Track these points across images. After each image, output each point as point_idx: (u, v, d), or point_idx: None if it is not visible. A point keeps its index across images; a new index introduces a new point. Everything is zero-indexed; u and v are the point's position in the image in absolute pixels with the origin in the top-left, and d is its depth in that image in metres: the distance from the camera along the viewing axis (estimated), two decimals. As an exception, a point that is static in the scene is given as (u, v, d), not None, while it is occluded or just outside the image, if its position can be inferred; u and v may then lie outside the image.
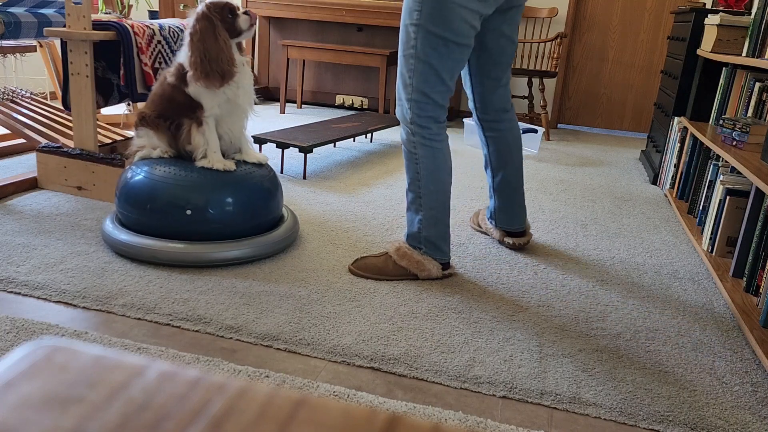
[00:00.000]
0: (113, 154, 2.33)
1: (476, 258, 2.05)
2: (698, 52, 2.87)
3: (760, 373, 1.49)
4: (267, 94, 5.17)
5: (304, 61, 4.85)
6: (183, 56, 1.90)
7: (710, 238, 2.19)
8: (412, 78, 1.78)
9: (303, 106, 5.03)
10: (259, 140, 2.90)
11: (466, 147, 3.85)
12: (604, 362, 1.48)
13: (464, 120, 3.99)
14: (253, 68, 4.95)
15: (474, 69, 2.00)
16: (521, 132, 3.77)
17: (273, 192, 1.98)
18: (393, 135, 4.07)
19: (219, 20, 1.85)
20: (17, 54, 3.86)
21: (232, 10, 1.87)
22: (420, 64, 1.76)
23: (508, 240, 2.18)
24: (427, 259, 1.87)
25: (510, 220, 2.16)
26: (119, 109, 3.91)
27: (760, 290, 1.77)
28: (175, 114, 1.94)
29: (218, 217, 1.83)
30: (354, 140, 3.79)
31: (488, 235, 2.29)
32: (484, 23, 1.90)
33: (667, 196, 3.01)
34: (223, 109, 1.93)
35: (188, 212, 1.80)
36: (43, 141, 2.51)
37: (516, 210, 2.15)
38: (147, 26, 2.37)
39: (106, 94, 2.54)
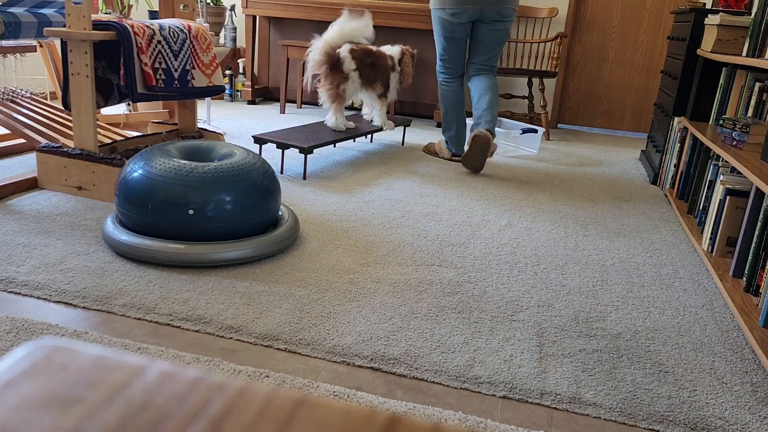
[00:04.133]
0: (113, 154, 2.33)
1: (476, 258, 2.05)
2: (698, 52, 2.87)
3: (760, 373, 1.49)
4: (267, 94, 5.17)
5: (304, 61, 4.85)
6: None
7: (710, 238, 2.19)
8: (437, 49, 3.33)
9: (303, 106, 5.03)
10: (260, 140, 2.90)
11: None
12: (604, 362, 1.48)
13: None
14: (252, 68, 4.95)
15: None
16: (521, 131, 3.80)
17: (271, 189, 1.98)
18: (393, 135, 4.07)
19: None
20: (17, 54, 3.86)
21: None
22: (438, 44, 3.32)
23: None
24: (445, 148, 3.44)
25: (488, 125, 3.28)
26: (119, 109, 3.91)
27: (760, 290, 1.77)
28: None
29: (216, 215, 1.83)
30: (354, 140, 3.79)
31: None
32: (474, 25, 3.21)
33: (667, 196, 3.01)
34: None
35: (190, 212, 1.80)
36: (43, 141, 2.51)
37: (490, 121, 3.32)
38: (147, 26, 2.37)
39: (106, 94, 2.54)
